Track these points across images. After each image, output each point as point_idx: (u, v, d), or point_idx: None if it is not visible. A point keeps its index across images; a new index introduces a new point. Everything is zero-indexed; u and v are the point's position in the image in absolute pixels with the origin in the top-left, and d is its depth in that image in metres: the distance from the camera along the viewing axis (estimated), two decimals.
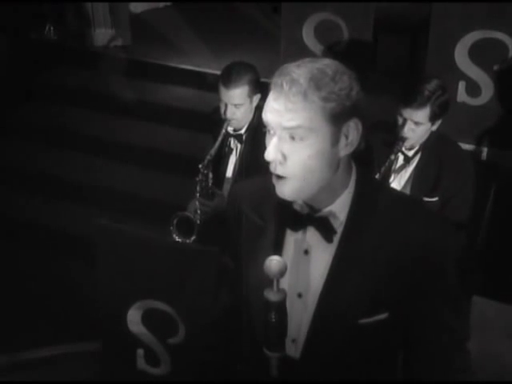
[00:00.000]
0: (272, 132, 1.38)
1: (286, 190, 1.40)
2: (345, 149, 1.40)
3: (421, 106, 2.71)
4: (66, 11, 5.58)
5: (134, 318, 2.40)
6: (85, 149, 4.68)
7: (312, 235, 1.47)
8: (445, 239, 1.48)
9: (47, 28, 5.55)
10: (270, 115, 1.37)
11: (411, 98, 2.72)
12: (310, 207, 1.46)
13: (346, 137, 1.39)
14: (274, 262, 1.38)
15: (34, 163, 4.70)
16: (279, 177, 1.39)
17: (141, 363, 2.49)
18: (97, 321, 2.56)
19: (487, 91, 3.51)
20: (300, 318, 1.51)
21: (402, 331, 1.51)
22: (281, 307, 1.40)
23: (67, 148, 4.75)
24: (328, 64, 1.37)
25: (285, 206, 1.47)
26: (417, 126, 2.75)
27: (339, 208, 1.45)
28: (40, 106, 5.12)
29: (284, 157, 1.37)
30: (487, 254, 3.10)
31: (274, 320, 1.41)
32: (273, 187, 1.43)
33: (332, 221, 1.45)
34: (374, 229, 1.44)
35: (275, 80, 1.35)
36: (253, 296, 1.53)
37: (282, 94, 1.34)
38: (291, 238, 1.50)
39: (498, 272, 3.16)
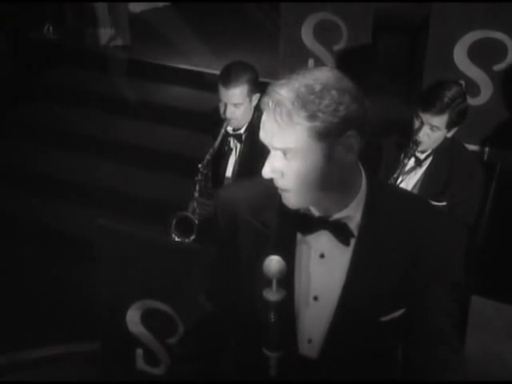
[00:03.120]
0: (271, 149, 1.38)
1: (291, 201, 1.41)
2: (345, 159, 1.37)
3: (440, 111, 2.69)
4: (66, 11, 5.57)
5: (133, 318, 2.41)
6: (85, 149, 4.68)
7: (327, 239, 1.46)
8: (455, 236, 1.51)
9: (46, 27, 5.53)
10: (262, 135, 1.38)
11: (431, 103, 2.69)
12: (322, 211, 1.46)
13: (345, 148, 1.36)
14: (273, 261, 1.38)
15: (34, 163, 4.70)
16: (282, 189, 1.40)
17: (140, 363, 2.50)
18: (97, 321, 2.57)
19: (486, 91, 3.51)
20: (316, 319, 1.52)
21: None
22: (280, 307, 1.41)
23: (67, 148, 4.74)
24: (318, 78, 1.33)
25: (293, 210, 1.46)
26: (433, 131, 2.73)
27: (353, 211, 1.45)
28: (39, 105, 5.11)
29: (281, 173, 1.37)
30: (487, 254, 3.10)
31: (273, 320, 1.41)
32: (279, 195, 1.43)
33: (349, 224, 1.45)
34: (388, 229, 1.45)
35: (263, 100, 1.35)
36: (259, 301, 1.51)
37: (270, 114, 1.33)
38: (303, 242, 1.49)
39: (498, 272, 3.16)
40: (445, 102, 2.69)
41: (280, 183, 1.39)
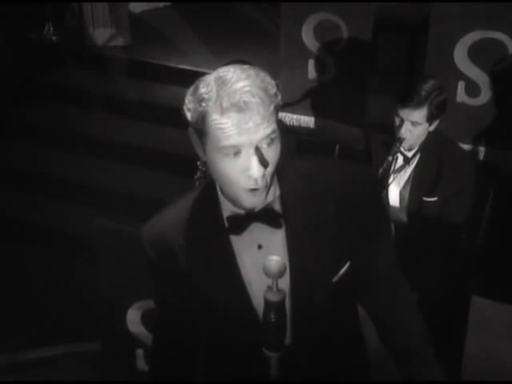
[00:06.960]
0: (243, 152, 1.36)
1: (261, 198, 1.42)
2: None
3: (418, 105, 2.71)
4: (66, 11, 5.57)
5: (133, 319, 2.41)
6: (85, 149, 4.69)
7: (259, 229, 1.48)
8: (366, 180, 1.60)
9: (46, 28, 5.54)
10: (240, 137, 1.34)
11: (408, 98, 2.71)
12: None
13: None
14: (273, 262, 1.38)
15: (34, 163, 4.70)
16: (256, 189, 1.39)
17: (140, 363, 2.50)
18: (97, 321, 2.57)
19: (487, 91, 3.51)
20: None
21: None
22: (280, 307, 1.41)
23: (67, 148, 4.75)
24: (247, 68, 1.38)
25: (216, 216, 1.50)
26: (414, 126, 2.75)
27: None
28: (40, 105, 5.11)
29: (266, 165, 1.38)
30: (487, 254, 3.10)
31: (273, 320, 1.41)
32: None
33: (275, 207, 1.48)
34: (307, 196, 1.50)
35: (227, 104, 1.32)
36: (231, 309, 1.54)
37: (246, 111, 1.32)
38: (238, 242, 1.51)
39: (498, 272, 3.16)
40: (422, 95, 2.71)
41: (261, 182, 1.38)
